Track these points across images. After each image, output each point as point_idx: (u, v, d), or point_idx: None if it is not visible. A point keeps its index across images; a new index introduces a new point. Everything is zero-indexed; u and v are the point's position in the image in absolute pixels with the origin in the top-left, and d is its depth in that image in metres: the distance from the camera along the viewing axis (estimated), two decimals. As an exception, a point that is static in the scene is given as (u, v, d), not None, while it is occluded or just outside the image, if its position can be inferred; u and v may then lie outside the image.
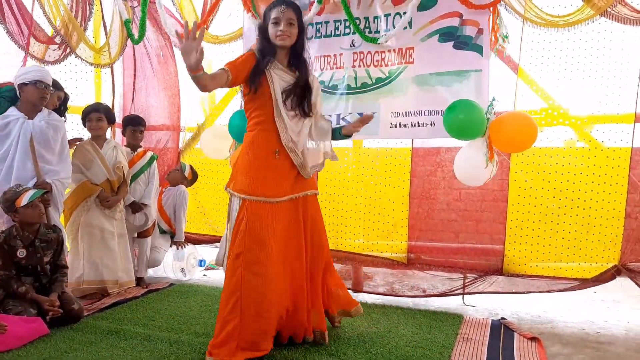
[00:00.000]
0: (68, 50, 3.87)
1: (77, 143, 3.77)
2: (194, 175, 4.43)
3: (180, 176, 4.35)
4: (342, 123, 3.48)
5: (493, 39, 3.19)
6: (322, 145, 2.85)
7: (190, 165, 4.42)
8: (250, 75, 2.58)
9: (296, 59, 2.69)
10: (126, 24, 4.10)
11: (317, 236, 2.79)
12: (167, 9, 4.16)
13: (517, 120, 3.10)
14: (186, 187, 4.38)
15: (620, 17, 2.98)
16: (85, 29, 4.03)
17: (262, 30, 2.66)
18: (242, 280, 2.49)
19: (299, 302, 2.68)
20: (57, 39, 3.80)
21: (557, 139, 3.42)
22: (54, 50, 3.81)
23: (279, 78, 2.62)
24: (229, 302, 2.50)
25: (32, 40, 3.67)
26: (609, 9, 2.97)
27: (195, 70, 2.32)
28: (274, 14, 2.61)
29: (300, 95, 2.65)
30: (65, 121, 3.58)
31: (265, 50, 2.64)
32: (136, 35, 4.09)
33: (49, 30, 3.78)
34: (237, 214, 2.63)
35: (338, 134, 2.86)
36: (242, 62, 2.59)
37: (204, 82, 2.40)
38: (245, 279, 2.49)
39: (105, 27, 4.27)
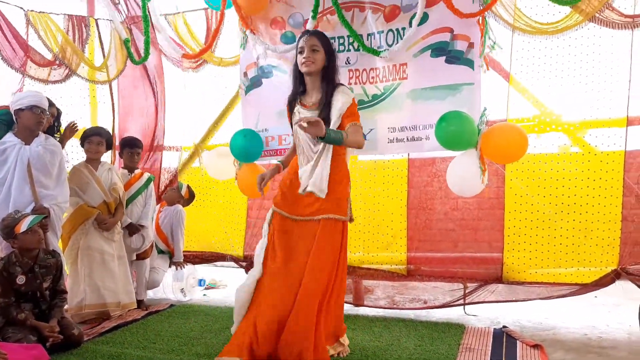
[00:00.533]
0: (69, 71, 3.94)
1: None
2: (191, 195, 4.44)
3: (177, 195, 4.36)
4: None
5: (480, 47, 3.22)
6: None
7: (188, 185, 4.43)
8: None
9: (325, 83, 2.80)
10: (125, 43, 4.13)
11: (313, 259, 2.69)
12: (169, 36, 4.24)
13: (506, 132, 3.11)
14: (183, 206, 4.39)
15: (608, 22, 3.00)
16: (83, 51, 4.08)
17: (295, 69, 2.87)
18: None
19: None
20: (57, 63, 3.85)
21: (551, 145, 3.43)
22: (54, 70, 3.86)
23: (298, 115, 2.80)
24: None
25: (30, 64, 3.71)
26: (597, 14, 3.00)
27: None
28: (299, 44, 2.80)
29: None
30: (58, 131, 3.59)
31: (295, 86, 2.89)
32: (136, 56, 4.15)
33: (47, 54, 3.82)
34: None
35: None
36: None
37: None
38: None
39: (102, 47, 4.32)
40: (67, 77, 3.98)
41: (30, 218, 2.97)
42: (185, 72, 4.35)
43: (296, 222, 2.80)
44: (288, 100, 2.97)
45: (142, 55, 4.10)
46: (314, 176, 2.72)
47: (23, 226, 2.93)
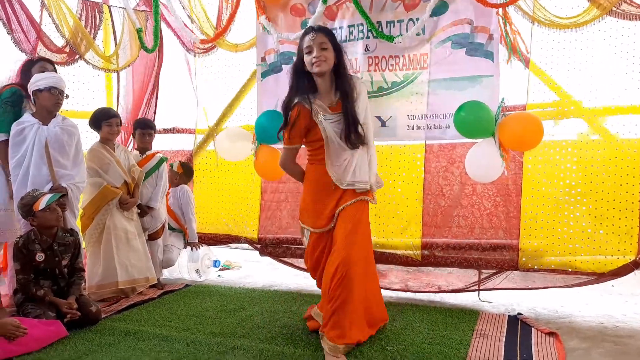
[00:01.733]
0: (77, 56, 3.91)
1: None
2: (186, 169, 4.42)
3: (172, 174, 4.37)
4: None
5: (502, 39, 3.24)
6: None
7: (179, 161, 4.43)
8: (305, 132, 2.74)
9: (340, 81, 2.68)
10: (139, 32, 4.13)
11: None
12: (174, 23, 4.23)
13: (521, 121, 3.13)
14: (185, 182, 4.39)
15: (626, 14, 3.00)
16: (94, 37, 4.06)
17: (297, 68, 2.70)
18: None
19: None
20: (67, 49, 3.84)
21: (571, 132, 3.39)
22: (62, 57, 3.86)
23: (328, 122, 2.67)
24: None
25: (41, 47, 3.70)
26: (615, 8, 3.00)
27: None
28: (305, 43, 2.63)
29: (347, 128, 2.65)
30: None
31: (305, 87, 2.68)
32: (149, 43, 4.14)
33: (58, 42, 3.82)
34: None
35: None
36: (297, 128, 2.71)
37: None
38: None
39: (115, 35, 4.30)
40: (74, 61, 3.93)
41: (48, 196, 3.02)
42: (196, 57, 4.35)
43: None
44: (294, 105, 2.70)
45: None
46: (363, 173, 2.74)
47: (41, 204, 2.97)
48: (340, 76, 2.68)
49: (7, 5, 3.51)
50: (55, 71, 3.46)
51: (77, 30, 3.87)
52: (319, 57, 2.58)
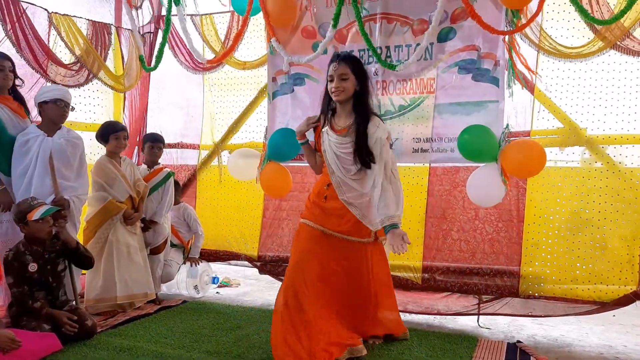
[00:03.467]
0: (91, 76, 4.03)
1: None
2: (175, 184, 4.41)
3: None
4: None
5: (506, 66, 3.29)
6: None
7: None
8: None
9: (358, 107, 2.82)
10: (141, 58, 4.26)
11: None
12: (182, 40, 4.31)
13: (524, 148, 3.15)
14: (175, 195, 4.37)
15: (629, 50, 3.09)
16: (105, 58, 4.17)
17: (327, 91, 2.88)
18: None
19: None
20: (76, 67, 3.93)
21: (574, 159, 3.39)
22: (72, 76, 3.94)
23: (329, 140, 2.87)
24: None
25: (51, 65, 3.77)
26: (619, 42, 3.07)
27: (300, 138, 3.04)
28: (329, 72, 2.81)
29: (356, 149, 2.77)
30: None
31: (326, 106, 2.92)
32: (152, 62, 4.24)
33: (67, 57, 3.90)
34: None
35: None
36: (316, 134, 3.03)
37: (304, 152, 3.11)
38: None
39: (122, 57, 4.41)
40: (88, 80, 4.07)
41: (44, 207, 3.00)
42: (199, 73, 4.40)
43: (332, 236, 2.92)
44: (315, 119, 3.02)
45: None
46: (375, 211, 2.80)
47: (36, 214, 2.96)
48: (359, 105, 2.81)
49: (16, 24, 3.57)
50: (14, 67, 3.36)
51: (88, 50, 3.96)
52: (337, 87, 2.76)
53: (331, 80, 2.79)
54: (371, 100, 2.90)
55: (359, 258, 2.96)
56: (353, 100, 2.83)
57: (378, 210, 2.75)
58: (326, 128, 2.90)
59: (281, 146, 3.68)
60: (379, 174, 2.76)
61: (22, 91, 3.45)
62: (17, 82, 3.38)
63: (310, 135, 3.14)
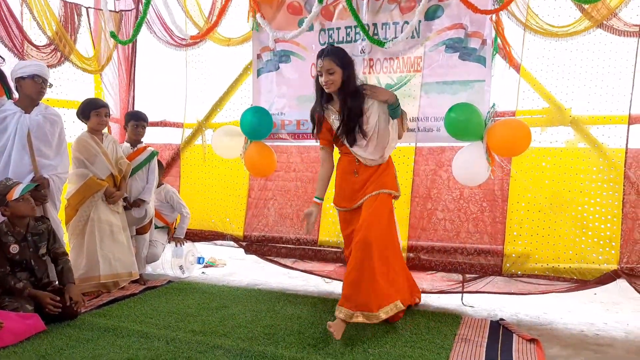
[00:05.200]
0: (63, 58, 3.94)
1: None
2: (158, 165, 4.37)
3: None
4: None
5: (502, 44, 3.29)
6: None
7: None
8: (329, 133, 3.17)
9: (347, 96, 3.02)
10: (112, 35, 4.18)
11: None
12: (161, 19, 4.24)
13: (510, 127, 3.14)
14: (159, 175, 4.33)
15: (615, 30, 3.10)
16: (75, 41, 4.06)
17: (318, 83, 3.09)
18: None
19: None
20: (49, 49, 3.85)
21: (559, 139, 3.41)
22: (48, 54, 3.83)
23: (333, 118, 3.11)
24: None
25: (27, 46, 3.67)
26: (605, 22, 3.08)
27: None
28: (317, 67, 3.04)
29: (352, 128, 3.03)
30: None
31: (324, 98, 3.12)
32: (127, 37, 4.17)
33: (39, 41, 3.80)
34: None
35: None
36: (323, 131, 3.17)
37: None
38: None
39: (92, 38, 4.30)
40: (60, 62, 3.96)
41: (22, 186, 2.95)
42: (186, 50, 4.31)
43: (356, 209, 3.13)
44: (315, 113, 3.18)
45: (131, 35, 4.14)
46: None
47: (15, 194, 2.91)
48: (346, 90, 3.02)
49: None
50: None
51: (58, 32, 3.85)
52: (326, 82, 3.00)
53: (320, 75, 3.02)
54: (357, 81, 3.08)
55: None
56: (344, 86, 3.02)
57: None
58: (331, 115, 3.12)
59: (254, 124, 3.65)
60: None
61: None
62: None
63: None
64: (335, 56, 3.00)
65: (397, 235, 3.24)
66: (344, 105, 3.03)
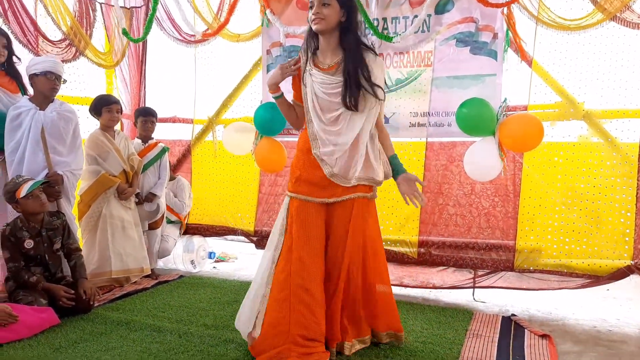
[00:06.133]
0: (78, 53, 3.98)
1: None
2: None
3: None
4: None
5: (512, 37, 3.26)
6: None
7: None
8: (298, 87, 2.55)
9: (345, 42, 2.42)
10: (124, 32, 4.20)
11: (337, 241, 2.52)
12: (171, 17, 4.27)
13: (522, 122, 3.12)
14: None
15: (628, 22, 3.06)
16: (90, 36, 4.09)
17: (309, 28, 2.48)
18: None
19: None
20: (63, 44, 3.88)
21: (572, 134, 3.38)
22: (58, 53, 3.86)
23: (314, 82, 2.45)
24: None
25: (42, 41, 3.70)
26: (618, 15, 3.04)
27: (273, 91, 2.55)
28: None
29: (345, 87, 2.38)
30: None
31: (308, 43, 2.50)
32: (140, 34, 4.16)
33: (52, 34, 3.83)
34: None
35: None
36: (294, 82, 2.59)
37: (280, 108, 2.62)
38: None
39: (107, 33, 4.34)
40: (75, 57, 3.99)
41: (30, 183, 2.97)
42: (195, 46, 4.32)
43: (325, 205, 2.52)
44: (292, 64, 2.55)
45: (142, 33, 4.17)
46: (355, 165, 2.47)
47: (23, 191, 2.93)
48: (347, 38, 2.42)
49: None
50: (9, 43, 3.30)
51: (74, 28, 3.88)
52: (317, 13, 2.35)
53: (311, 7, 2.39)
54: (362, 38, 2.48)
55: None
56: (339, 34, 2.44)
57: (375, 160, 2.50)
58: (309, 68, 2.48)
59: (266, 121, 3.66)
60: (367, 120, 2.45)
61: None
62: (15, 59, 3.33)
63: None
64: None
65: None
66: (347, 56, 2.41)
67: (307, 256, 2.45)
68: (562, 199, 3.37)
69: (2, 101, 3.25)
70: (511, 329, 2.99)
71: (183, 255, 4.34)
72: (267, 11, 3.73)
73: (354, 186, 2.51)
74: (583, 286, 3.28)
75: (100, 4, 4.24)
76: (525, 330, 2.97)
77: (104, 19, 4.29)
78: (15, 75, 3.35)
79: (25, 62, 3.37)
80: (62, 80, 3.33)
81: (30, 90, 3.35)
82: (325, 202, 2.52)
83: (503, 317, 3.20)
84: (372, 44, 3.46)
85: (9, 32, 3.41)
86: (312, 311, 2.40)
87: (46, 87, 3.23)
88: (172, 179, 4.39)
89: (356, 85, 2.38)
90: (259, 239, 4.26)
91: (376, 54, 2.50)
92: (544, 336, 2.85)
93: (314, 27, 2.42)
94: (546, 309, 3.43)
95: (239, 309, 2.74)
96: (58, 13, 3.85)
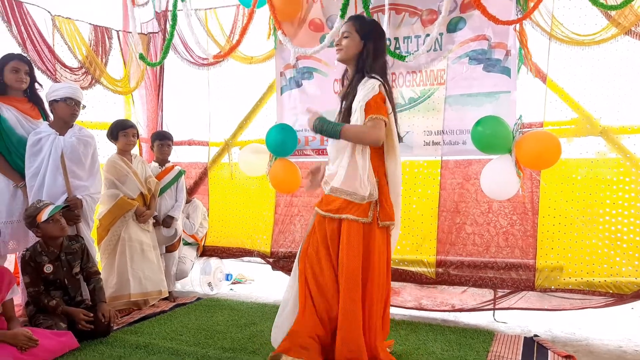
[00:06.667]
0: (94, 80, 4.09)
1: None
2: None
3: None
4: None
5: (525, 53, 3.26)
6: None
7: None
8: None
9: (358, 70, 2.55)
10: (141, 57, 4.30)
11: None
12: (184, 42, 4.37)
13: (539, 140, 3.10)
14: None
15: None
16: (106, 64, 4.20)
17: None
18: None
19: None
20: (81, 71, 3.99)
21: (588, 150, 3.34)
22: (80, 76, 3.97)
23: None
24: None
25: (60, 67, 3.81)
26: (633, 29, 3.03)
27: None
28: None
29: (343, 114, 2.57)
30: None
31: (345, 71, 2.71)
32: (157, 59, 4.24)
33: (71, 60, 3.94)
34: None
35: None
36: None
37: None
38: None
39: (124, 60, 4.43)
40: (91, 85, 4.09)
41: (50, 207, 3.00)
42: (208, 69, 4.39)
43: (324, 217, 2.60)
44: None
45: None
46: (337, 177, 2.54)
47: (44, 215, 2.96)
48: (359, 67, 2.55)
49: (21, 26, 3.58)
50: (32, 70, 3.38)
51: (89, 56, 3.99)
52: (337, 45, 2.58)
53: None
54: (377, 64, 2.55)
55: None
56: (356, 64, 2.57)
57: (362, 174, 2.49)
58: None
59: (278, 142, 3.68)
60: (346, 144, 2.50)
61: None
62: (37, 85, 3.42)
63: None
64: (357, 21, 2.58)
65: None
66: (349, 86, 2.57)
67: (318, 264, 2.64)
68: (582, 216, 3.32)
69: (24, 127, 3.32)
70: (534, 350, 2.92)
71: (200, 278, 4.35)
72: (279, 33, 3.77)
73: (343, 207, 2.50)
74: (606, 305, 3.21)
75: (117, 31, 4.35)
76: (549, 351, 2.90)
77: (120, 45, 4.39)
78: (37, 102, 3.43)
79: (45, 88, 3.45)
80: (82, 105, 3.39)
81: (51, 116, 3.42)
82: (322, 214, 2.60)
83: (525, 337, 3.13)
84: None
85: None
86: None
87: (66, 112, 3.29)
88: (188, 201, 4.43)
89: (346, 110, 2.56)
90: (275, 260, 4.25)
91: (378, 79, 2.50)
92: (567, 357, 2.79)
93: (337, 56, 2.61)
94: (569, 329, 3.36)
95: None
96: (74, 42, 3.96)
